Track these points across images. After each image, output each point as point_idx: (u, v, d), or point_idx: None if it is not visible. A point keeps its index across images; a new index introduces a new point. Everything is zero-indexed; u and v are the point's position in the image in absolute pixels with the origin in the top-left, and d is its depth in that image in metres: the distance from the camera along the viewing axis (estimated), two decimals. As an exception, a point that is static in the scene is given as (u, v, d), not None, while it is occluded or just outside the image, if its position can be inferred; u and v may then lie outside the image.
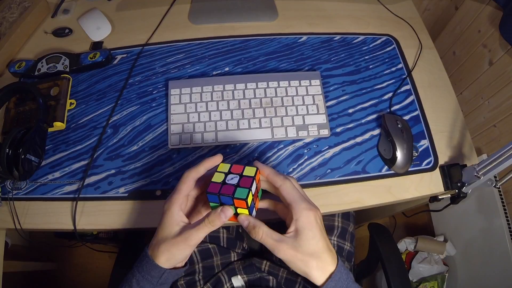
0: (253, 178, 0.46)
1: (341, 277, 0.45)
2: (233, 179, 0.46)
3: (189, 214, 0.51)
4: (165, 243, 0.45)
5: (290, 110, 0.70)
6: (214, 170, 0.49)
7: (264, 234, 0.45)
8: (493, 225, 1.06)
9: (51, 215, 0.63)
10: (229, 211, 0.45)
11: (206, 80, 0.73)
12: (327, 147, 0.69)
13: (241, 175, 0.47)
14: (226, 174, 0.47)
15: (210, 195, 0.46)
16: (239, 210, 0.47)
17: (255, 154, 0.67)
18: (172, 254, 0.45)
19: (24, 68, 0.74)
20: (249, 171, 0.47)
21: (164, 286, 0.48)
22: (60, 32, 0.82)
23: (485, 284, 1.11)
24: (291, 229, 0.45)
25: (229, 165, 0.49)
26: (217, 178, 0.47)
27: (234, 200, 0.45)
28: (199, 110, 0.69)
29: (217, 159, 0.50)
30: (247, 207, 0.45)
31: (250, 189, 0.45)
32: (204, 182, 0.51)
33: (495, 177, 1.04)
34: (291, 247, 0.44)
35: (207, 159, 0.49)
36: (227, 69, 0.77)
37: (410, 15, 0.88)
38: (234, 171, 0.48)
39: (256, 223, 0.46)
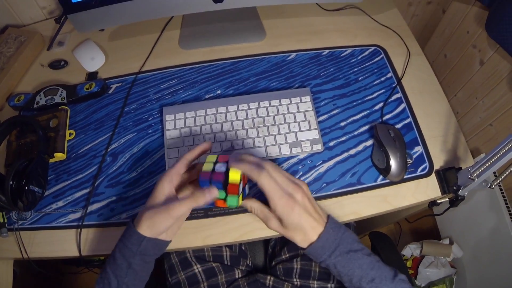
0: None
1: (328, 239, 0.50)
2: (221, 167, 0.51)
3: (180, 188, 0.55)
4: (149, 211, 0.49)
5: (282, 128, 0.71)
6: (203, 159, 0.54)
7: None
8: (498, 224, 1.06)
9: (56, 244, 0.64)
10: (215, 191, 0.49)
11: (199, 104, 0.74)
12: (321, 161, 0.70)
13: (228, 162, 0.52)
14: (214, 164, 0.52)
15: (202, 181, 0.50)
16: (229, 196, 0.51)
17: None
18: (153, 222, 0.48)
19: (23, 101, 0.76)
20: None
21: (145, 257, 0.50)
22: (56, 64, 0.84)
23: (495, 283, 1.10)
24: (274, 214, 0.51)
25: (215, 156, 0.53)
26: (207, 167, 0.51)
27: (228, 185, 0.50)
28: (194, 133, 0.71)
29: (207, 145, 0.55)
30: (238, 192, 0.50)
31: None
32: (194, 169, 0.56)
33: (495, 173, 1.05)
34: (277, 224, 0.51)
35: (201, 144, 0.55)
36: (219, 92, 0.79)
37: (396, 24, 0.89)
38: (221, 160, 0.52)
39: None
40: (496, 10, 0.87)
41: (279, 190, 0.49)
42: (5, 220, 0.65)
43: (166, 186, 0.50)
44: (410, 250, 1.31)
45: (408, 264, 1.30)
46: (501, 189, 1.06)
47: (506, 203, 1.05)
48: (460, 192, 0.66)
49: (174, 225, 0.53)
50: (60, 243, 0.64)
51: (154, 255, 0.51)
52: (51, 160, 0.71)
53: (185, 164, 0.52)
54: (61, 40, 0.88)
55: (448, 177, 0.67)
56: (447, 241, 1.30)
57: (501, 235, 1.05)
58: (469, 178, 0.60)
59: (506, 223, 1.03)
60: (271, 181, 0.49)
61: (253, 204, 0.53)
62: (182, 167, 0.52)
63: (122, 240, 0.50)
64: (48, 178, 0.69)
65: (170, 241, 0.54)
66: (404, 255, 1.33)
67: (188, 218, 0.63)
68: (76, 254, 0.63)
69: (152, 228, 0.48)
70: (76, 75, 0.83)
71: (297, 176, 0.68)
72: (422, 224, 1.47)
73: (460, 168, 0.67)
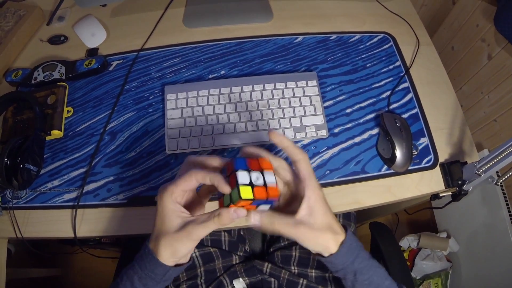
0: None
1: (352, 244, 0.46)
2: (258, 179, 0.43)
3: (189, 205, 0.48)
4: (166, 238, 0.43)
5: (287, 112, 0.70)
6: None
7: (280, 226, 0.44)
8: (496, 220, 1.06)
9: (51, 223, 0.63)
10: (243, 212, 0.43)
11: (202, 84, 0.73)
12: (326, 148, 0.68)
13: (261, 171, 0.44)
14: (249, 172, 0.43)
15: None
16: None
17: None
18: (176, 249, 0.43)
19: (21, 77, 0.75)
20: (265, 163, 0.45)
21: (167, 282, 0.47)
22: (56, 40, 0.82)
23: (489, 279, 1.11)
24: (304, 207, 0.45)
25: (250, 190, 0.43)
26: (243, 178, 0.43)
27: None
28: (196, 114, 0.69)
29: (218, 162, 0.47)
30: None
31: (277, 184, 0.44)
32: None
33: (497, 172, 1.04)
34: (307, 227, 0.45)
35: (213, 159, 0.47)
36: (223, 72, 0.77)
37: (406, 12, 0.87)
38: (253, 168, 0.44)
39: (266, 219, 0.44)
40: (504, 5, 0.86)
41: (314, 178, 0.46)
42: (-1, 199, 0.64)
43: (173, 205, 0.44)
44: (408, 242, 1.32)
45: (405, 255, 1.31)
46: (501, 186, 1.06)
47: (506, 200, 1.05)
48: (464, 187, 0.65)
49: None
50: (55, 223, 0.63)
51: (172, 278, 0.48)
52: (48, 138, 0.69)
53: (192, 184, 0.44)
54: (62, 15, 0.86)
55: (453, 171, 0.66)
56: (444, 235, 1.30)
57: (499, 231, 1.05)
58: (476, 173, 0.59)
59: (504, 220, 1.03)
60: (309, 165, 0.46)
61: (276, 219, 0.44)
62: (187, 186, 0.44)
63: (143, 270, 0.44)
64: (44, 156, 0.68)
65: (191, 262, 0.49)
66: (401, 247, 1.33)
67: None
68: (71, 235, 0.62)
69: (175, 255, 0.44)
70: (76, 51, 0.80)
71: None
72: (419, 216, 1.47)
73: (465, 163, 0.66)
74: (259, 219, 0.45)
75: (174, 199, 0.44)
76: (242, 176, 0.42)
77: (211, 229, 0.43)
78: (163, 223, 0.44)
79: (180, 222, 0.44)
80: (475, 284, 1.17)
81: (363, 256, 0.47)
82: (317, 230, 0.45)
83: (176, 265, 0.46)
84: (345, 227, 0.48)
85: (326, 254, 0.46)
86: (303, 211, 0.45)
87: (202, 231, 0.42)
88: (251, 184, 0.42)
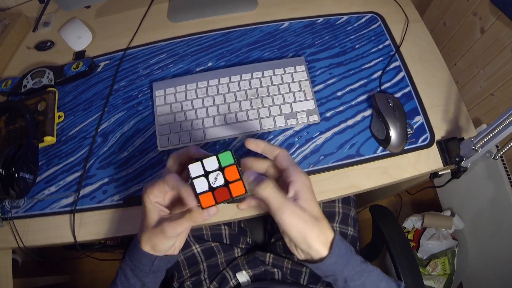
0: (236, 164, 0.43)
1: (341, 250, 0.44)
2: (217, 180, 0.42)
3: (179, 203, 0.48)
4: (145, 232, 0.45)
5: (276, 99, 0.69)
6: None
7: (273, 189, 0.43)
8: (499, 195, 1.05)
9: (51, 230, 0.63)
10: (214, 210, 0.42)
11: (189, 78, 0.72)
12: (318, 133, 0.68)
13: (221, 169, 0.43)
14: (206, 176, 0.43)
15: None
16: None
17: (245, 148, 0.66)
18: (154, 244, 0.45)
19: (11, 86, 0.74)
20: (225, 158, 0.43)
21: (158, 273, 0.48)
22: (43, 46, 0.82)
23: (496, 255, 1.10)
24: (291, 192, 0.45)
25: (199, 162, 0.43)
26: (201, 185, 0.42)
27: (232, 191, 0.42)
28: (185, 108, 0.69)
29: (191, 151, 0.46)
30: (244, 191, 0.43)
31: (241, 179, 0.43)
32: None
33: (497, 146, 1.03)
34: (295, 206, 0.43)
35: (175, 153, 0.47)
36: (210, 64, 0.76)
37: (393, -10, 0.86)
38: (210, 168, 0.43)
39: (263, 178, 0.43)
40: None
41: (298, 166, 0.46)
42: (-1, 210, 0.64)
43: (150, 202, 0.44)
44: (412, 223, 1.31)
45: (410, 236, 1.30)
46: (502, 160, 1.05)
47: (508, 174, 1.04)
48: (462, 163, 0.64)
49: (177, 241, 0.49)
50: (55, 230, 0.63)
51: (165, 270, 0.50)
52: (41, 145, 0.69)
53: (167, 190, 0.44)
54: (47, 21, 0.85)
55: (450, 148, 0.65)
56: (448, 213, 1.29)
57: (502, 206, 1.04)
58: (473, 148, 0.58)
59: (507, 194, 1.02)
60: (289, 156, 0.47)
61: (271, 182, 0.43)
62: (162, 190, 0.44)
63: (132, 260, 0.47)
64: (39, 163, 0.68)
65: (180, 254, 0.51)
66: (405, 228, 1.33)
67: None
68: (71, 239, 0.62)
69: (155, 249, 0.46)
70: (63, 56, 0.80)
71: (294, 149, 0.66)
72: (422, 196, 1.46)
73: (462, 139, 0.65)
74: (253, 177, 0.45)
75: (151, 200, 0.45)
76: (200, 184, 0.42)
77: (184, 227, 0.43)
78: (145, 219, 0.46)
79: (157, 219, 0.45)
80: (482, 260, 1.17)
81: (354, 262, 0.45)
82: (308, 214, 0.43)
83: (164, 256, 0.47)
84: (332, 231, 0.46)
85: (310, 251, 0.44)
86: (289, 195, 0.45)
87: (175, 229, 0.43)
88: (211, 188, 0.42)
